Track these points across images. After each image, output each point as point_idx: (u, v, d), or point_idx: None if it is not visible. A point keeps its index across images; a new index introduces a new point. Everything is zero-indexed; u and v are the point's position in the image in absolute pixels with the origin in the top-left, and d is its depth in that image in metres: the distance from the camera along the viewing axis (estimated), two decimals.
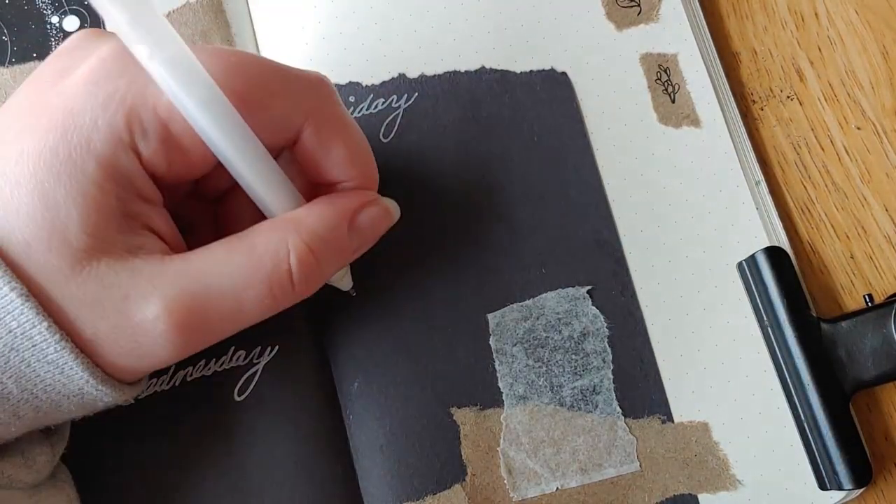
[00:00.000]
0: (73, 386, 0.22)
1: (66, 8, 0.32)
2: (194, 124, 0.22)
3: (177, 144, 0.23)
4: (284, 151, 0.26)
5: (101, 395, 0.23)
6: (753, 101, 0.34)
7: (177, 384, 0.29)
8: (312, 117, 0.24)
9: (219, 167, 0.24)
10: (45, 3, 0.32)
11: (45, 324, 0.21)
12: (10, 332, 0.21)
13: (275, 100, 0.24)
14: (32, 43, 0.32)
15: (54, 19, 0.32)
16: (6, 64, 0.31)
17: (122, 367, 0.23)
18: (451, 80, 0.32)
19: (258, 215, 0.25)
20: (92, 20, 0.32)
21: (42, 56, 0.32)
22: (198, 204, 0.28)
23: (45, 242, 0.21)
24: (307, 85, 0.25)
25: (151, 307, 0.22)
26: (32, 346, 0.21)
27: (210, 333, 0.24)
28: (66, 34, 0.32)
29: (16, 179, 0.21)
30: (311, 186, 0.26)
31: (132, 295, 0.22)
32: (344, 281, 0.29)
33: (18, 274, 0.21)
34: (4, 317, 0.21)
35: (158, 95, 0.22)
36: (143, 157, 0.22)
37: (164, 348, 0.23)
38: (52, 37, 0.32)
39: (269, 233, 0.24)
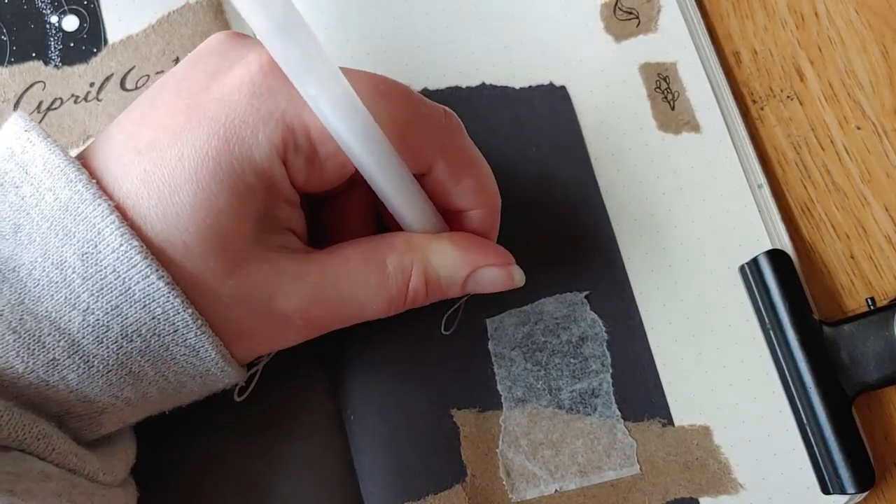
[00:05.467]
0: (203, 367, 0.23)
1: (66, 7, 0.32)
2: (351, 155, 0.23)
3: (319, 166, 0.24)
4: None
5: (224, 377, 0.24)
6: (753, 100, 0.34)
7: None
8: (446, 151, 0.25)
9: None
10: (44, 2, 0.32)
11: (189, 311, 0.22)
12: (154, 318, 0.22)
13: (416, 133, 0.24)
14: (31, 42, 0.32)
15: (53, 19, 0.32)
16: (5, 63, 0.31)
17: (248, 350, 0.25)
18: (453, 96, 0.33)
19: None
20: (91, 20, 0.32)
21: (41, 55, 0.32)
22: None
23: (206, 245, 0.22)
24: (440, 118, 0.25)
25: (292, 305, 0.24)
26: (174, 332, 0.22)
27: (330, 328, 0.26)
28: (66, 34, 0.32)
29: (175, 182, 0.22)
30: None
31: (277, 294, 0.23)
32: None
33: (176, 276, 0.22)
34: (150, 304, 0.22)
35: (313, 120, 0.23)
36: (290, 169, 0.23)
37: (290, 339, 0.25)
38: (52, 36, 0.32)
39: (401, 254, 0.25)
